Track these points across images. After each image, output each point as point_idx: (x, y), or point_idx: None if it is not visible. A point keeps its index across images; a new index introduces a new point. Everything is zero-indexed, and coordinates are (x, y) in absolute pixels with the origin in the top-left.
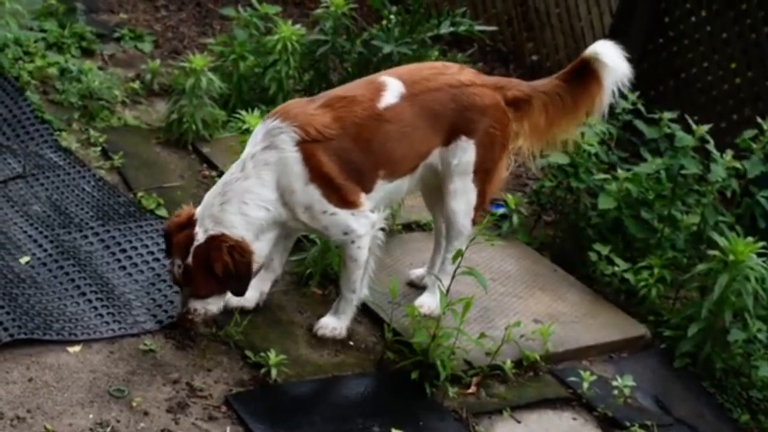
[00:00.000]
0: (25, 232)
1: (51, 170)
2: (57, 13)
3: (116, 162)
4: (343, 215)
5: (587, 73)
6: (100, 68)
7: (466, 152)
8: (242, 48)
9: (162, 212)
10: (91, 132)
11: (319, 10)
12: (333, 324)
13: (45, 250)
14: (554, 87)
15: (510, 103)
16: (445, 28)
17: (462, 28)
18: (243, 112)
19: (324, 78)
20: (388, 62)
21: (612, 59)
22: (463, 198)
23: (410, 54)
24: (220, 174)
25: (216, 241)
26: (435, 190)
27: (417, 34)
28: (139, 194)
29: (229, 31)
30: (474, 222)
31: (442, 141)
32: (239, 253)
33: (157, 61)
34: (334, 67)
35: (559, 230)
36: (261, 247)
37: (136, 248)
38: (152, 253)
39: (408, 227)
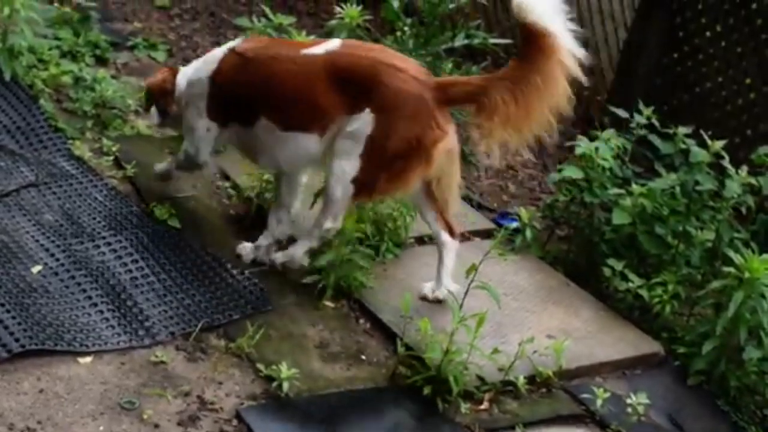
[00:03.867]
0: (37, 241)
1: (63, 179)
2: (71, 22)
3: (129, 171)
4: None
5: (535, 42)
6: (113, 77)
7: (364, 123)
8: None
9: (174, 222)
10: (104, 141)
11: (333, 22)
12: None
13: (57, 260)
14: (514, 70)
15: (456, 101)
16: (460, 41)
17: (476, 41)
18: None
19: None
20: None
21: (545, 21)
22: (342, 162)
23: (424, 66)
24: (233, 185)
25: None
26: (422, 199)
27: (431, 46)
28: (152, 204)
29: None
30: (352, 197)
31: (348, 107)
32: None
33: None
34: None
35: (573, 245)
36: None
37: (147, 259)
38: (164, 263)
39: (420, 240)
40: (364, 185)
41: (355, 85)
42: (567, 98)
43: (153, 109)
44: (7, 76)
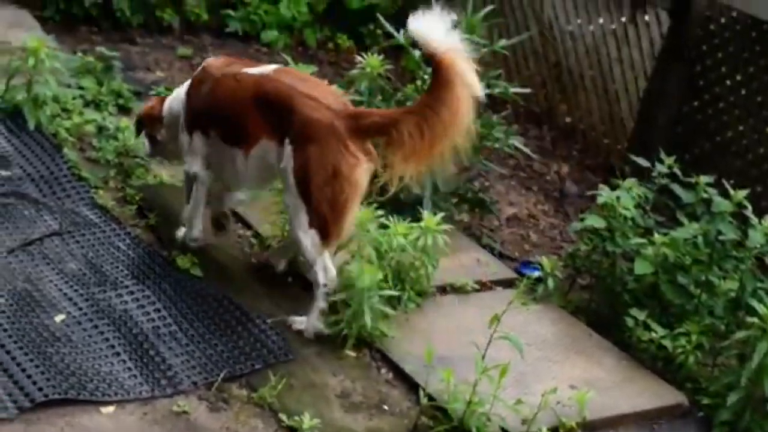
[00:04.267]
0: (60, 290)
1: (87, 228)
2: (95, 71)
3: (151, 220)
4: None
5: (437, 73)
6: None
7: (288, 157)
8: None
9: (197, 271)
10: (127, 190)
11: (354, 71)
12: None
13: (80, 309)
14: (422, 103)
15: (367, 132)
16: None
17: (497, 90)
18: None
19: None
20: None
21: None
22: (297, 214)
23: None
24: (255, 234)
25: None
26: None
27: None
28: (174, 253)
29: None
30: (322, 245)
31: (270, 133)
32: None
33: None
34: None
35: (595, 294)
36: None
37: (170, 308)
38: (187, 313)
39: (442, 290)
40: (322, 229)
41: (274, 111)
42: (468, 131)
43: (143, 138)
44: (32, 126)
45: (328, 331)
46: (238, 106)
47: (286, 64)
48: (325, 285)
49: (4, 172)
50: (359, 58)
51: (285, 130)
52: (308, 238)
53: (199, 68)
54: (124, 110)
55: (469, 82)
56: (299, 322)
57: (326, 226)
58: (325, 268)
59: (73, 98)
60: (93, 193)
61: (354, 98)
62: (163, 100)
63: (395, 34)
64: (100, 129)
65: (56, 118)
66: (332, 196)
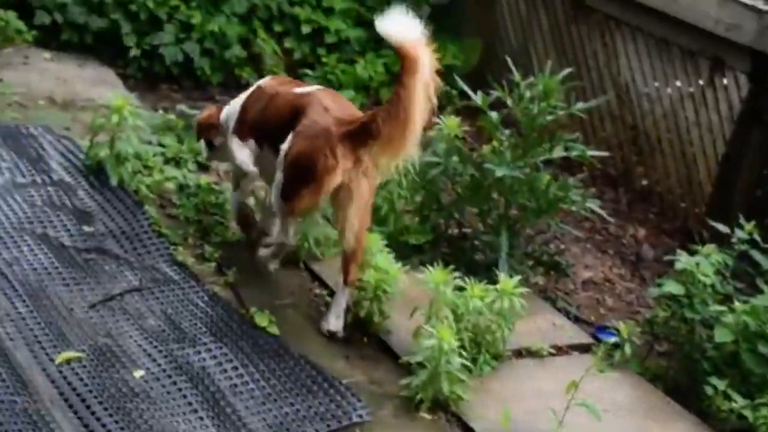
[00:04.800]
0: (139, 345)
1: (166, 284)
2: (175, 128)
3: (230, 278)
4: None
5: (402, 64)
6: (215, 183)
7: (286, 143)
8: None
9: (274, 330)
10: (206, 247)
11: (431, 132)
12: None
13: (159, 365)
14: (392, 95)
15: (354, 133)
16: (558, 153)
17: (574, 153)
18: None
19: (435, 199)
20: (500, 185)
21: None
22: (275, 182)
23: (522, 178)
24: (331, 293)
25: None
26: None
27: (529, 157)
28: (252, 311)
29: None
30: (286, 213)
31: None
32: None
33: None
34: (445, 188)
35: (673, 361)
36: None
37: (247, 366)
38: (264, 371)
39: (518, 353)
40: (288, 198)
41: (299, 113)
42: (429, 115)
43: (202, 142)
44: (114, 182)
45: (274, 268)
46: (281, 120)
47: None
48: (279, 245)
49: (86, 228)
50: (434, 119)
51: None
52: (276, 203)
53: (254, 86)
54: (203, 168)
55: (427, 70)
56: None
57: (289, 203)
58: (286, 231)
59: (154, 155)
60: (173, 249)
61: (431, 159)
62: (220, 109)
63: (473, 95)
64: (180, 186)
65: (137, 175)
66: (297, 185)
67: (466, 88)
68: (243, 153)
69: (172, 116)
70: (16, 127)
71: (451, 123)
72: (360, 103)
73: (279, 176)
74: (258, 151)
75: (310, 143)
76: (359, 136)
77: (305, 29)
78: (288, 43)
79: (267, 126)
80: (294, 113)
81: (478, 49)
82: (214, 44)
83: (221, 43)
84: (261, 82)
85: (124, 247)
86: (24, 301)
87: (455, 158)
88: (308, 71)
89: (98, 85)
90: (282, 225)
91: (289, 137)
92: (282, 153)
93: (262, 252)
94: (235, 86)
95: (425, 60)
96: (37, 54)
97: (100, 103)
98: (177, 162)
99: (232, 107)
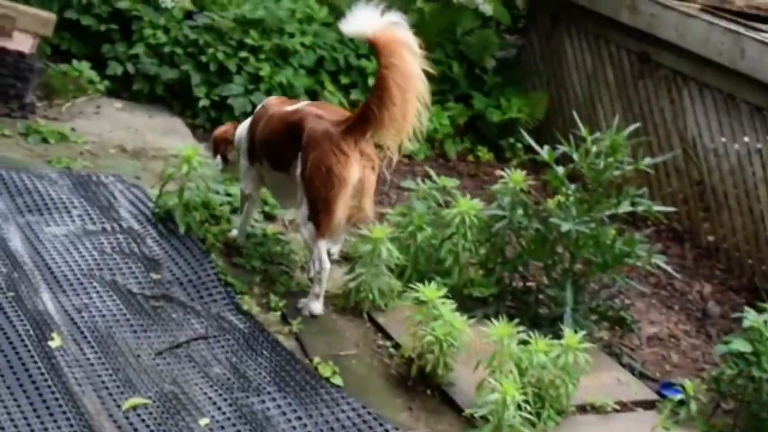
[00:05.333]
0: (205, 393)
1: (232, 333)
2: None
3: (295, 327)
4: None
5: (375, 50)
6: (281, 233)
7: (298, 165)
8: (421, 220)
9: (337, 381)
10: (271, 296)
11: (497, 186)
12: None
13: (223, 413)
14: (375, 82)
15: (355, 128)
16: (624, 208)
17: (641, 208)
18: (419, 284)
19: (500, 252)
20: (566, 240)
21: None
22: (301, 208)
23: (588, 232)
24: (395, 345)
25: None
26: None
27: (595, 212)
28: (316, 361)
29: (405, 201)
30: (317, 236)
31: (295, 149)
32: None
33: None
34: (510, 242)
35: (740, 420)
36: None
37: (311, 416)
38: (327, 422)
39: (582, 409)
40: (316, 221)
41: (296, 135)
42: (422, 83)
43: (217, 157)
44: (182, 230)
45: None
46: (277, 137)
47: (428, 176)
48: (318, 272)
49: (154, 275)
50: (500, 172)
51: (300, 144)
52: (306, 230)
53: (260, 106)
54: (269, 217)
55: (410, 45)
56: (301, 302)
57: (318, 220)
58: (320, 258)
59: (221, 205)
60: (238, 298)
61: (497, 213)
62: (236, 125)
63: (539, 149)
64: (247, 236)
65: (205, 224)
66: (324, 194)
67: (532, 142)
68: (246, 177)
69: None
70: (87, 175)
71: (517, 177)
72: (425, 155)
73: (301, 200)
74: (271, 170)
75: (317, 150)
76: (358, 128)
77: (372, 81)
78: (354, 95)
79: (270, 146)
80: (289, 130)
81: (543, 102)
82: (282, 95)
83: (289, 95)
84: (266, 100)
85: (190, 294)
86: (92, 347)
87: (520, 211)
88: None
89: (168, 135)
90: (316, 252)
91: (299, 160)
92: (298, 178)
93: (301, 303)
94: None
95: (398, 37)
96: (109, 104)
97: (170, 153)
98: None
99: (245, 125)
